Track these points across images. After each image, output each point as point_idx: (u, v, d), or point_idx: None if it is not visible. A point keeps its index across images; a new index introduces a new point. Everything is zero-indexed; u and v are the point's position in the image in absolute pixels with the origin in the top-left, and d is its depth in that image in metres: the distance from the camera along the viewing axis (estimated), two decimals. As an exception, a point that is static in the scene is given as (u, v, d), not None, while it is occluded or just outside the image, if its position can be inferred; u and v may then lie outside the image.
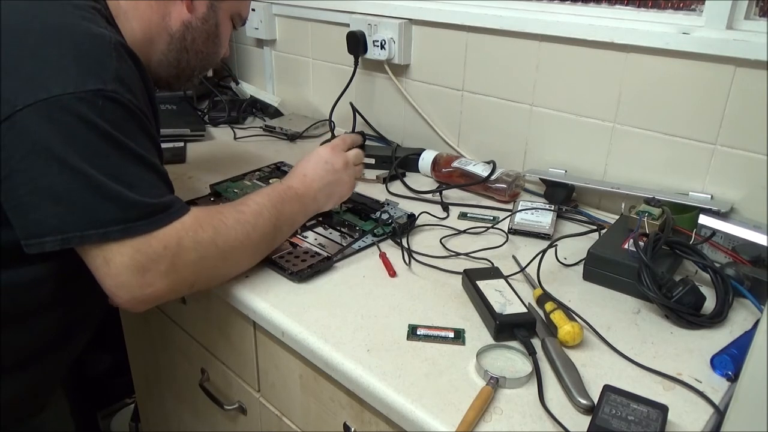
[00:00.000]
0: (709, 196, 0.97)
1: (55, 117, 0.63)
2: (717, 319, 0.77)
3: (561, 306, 0.76)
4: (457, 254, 0.92)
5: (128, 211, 0.65)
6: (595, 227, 1.01)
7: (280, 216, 0.82)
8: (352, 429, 0.76)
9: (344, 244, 0.92)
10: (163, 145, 1.11)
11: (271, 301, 0.80)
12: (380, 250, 0.92)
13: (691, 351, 0.72)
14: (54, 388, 0.93)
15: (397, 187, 1.17)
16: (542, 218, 1.01)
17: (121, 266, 0.66)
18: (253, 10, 1.55)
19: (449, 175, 1.18)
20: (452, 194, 1.15)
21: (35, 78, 0.63)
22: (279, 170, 1.19)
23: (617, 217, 0.99)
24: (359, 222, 0.99)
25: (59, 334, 0.80)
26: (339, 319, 0.76)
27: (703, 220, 0.92)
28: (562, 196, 1.09)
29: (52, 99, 0.62)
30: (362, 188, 1.13)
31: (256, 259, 0.82)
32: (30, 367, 0.80)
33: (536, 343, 0.72)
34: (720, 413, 0.63)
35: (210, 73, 1.74)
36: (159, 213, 0.68)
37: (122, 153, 0.66)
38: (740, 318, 0.78)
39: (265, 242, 0.81)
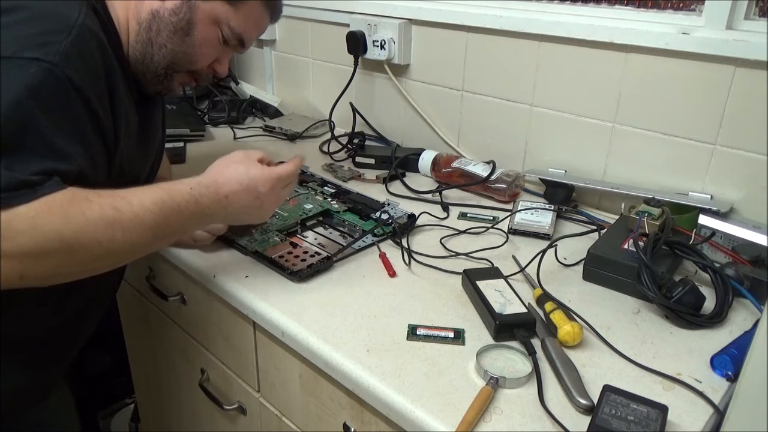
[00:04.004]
0: (709, 196, 0.97)
1: None
2: (717, 319, 0.77)
3: (561, 306, 0.76)
4: (457, 254, 0.92)
5: None
6: (595, 227, 1.01)
7: (166, 227, 0.71)
8: (352, 429, 0.76)
9: (344, 244, 0.92)
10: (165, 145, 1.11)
11: (271, 301, 0.80)
12: (380, 250, 0.92)
13: (691, 351, 0.72)
14: (56, 374, 0.92)
15: (397, 187, 1.17)
16: (542, 218, 1.01)
17: None
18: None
19: (449, 175, 1.18)
20: (452, 194, 1.15)
21: None
22: (279, 170, 1.19)
23: (617, 217, 0.99)
24: (359, 222, 0.99)
25: (55, 312, 0.80)
26: (339, 319, 0.76)
27: (703, 220, 0.92)
28: (562, 196, 1.09)
29: None
30: (362, 188, 1.13)
31: (116, 264, 0.71)
32: (28, 348, 0.80)
33: (536, 343, 0.72)
34: (720, 413, 0.63)
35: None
36: (20, 189, 0.61)
37: (24, 124, 0.63)
38: (740, 318, 0.79)
39: (134, 250, 0.70)
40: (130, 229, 0.67)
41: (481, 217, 1.06)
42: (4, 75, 0.63)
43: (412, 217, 0.99)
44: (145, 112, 0.87)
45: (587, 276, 0.86)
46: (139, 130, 0.85)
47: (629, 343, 0.73)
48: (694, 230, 0.89)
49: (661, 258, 0.83)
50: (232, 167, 0.78)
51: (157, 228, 0.69)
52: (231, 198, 0.76)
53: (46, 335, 0.83)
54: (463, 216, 1.06)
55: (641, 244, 0.81)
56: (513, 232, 0.99)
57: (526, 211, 1.03)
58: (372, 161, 1.26)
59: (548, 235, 0.98)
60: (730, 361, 0.68)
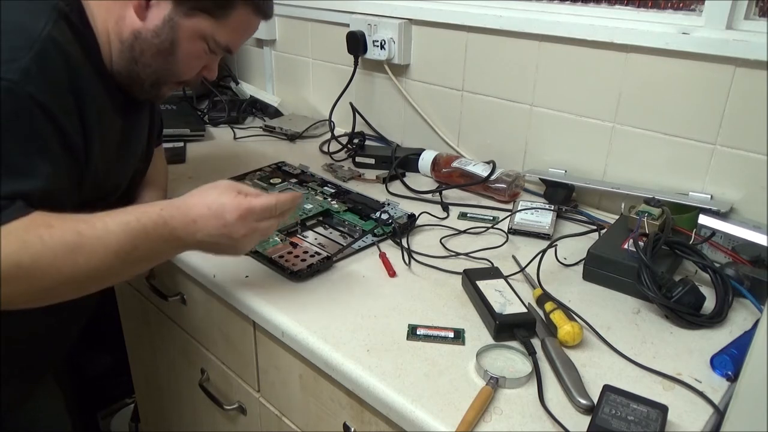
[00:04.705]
0: (709, 196, 0.97)
1: None
2: (717, 319, 0.77)
3: (561, 306, 0.76)
4: (457, 254, 0.92)
5: None
6: (595, 227, 1.01)
7: (133, 252, 0.67)
8: (352, 429, 0.76)
9: (344, 244, 0.92)
10: (164, 145, 1.11)
11: (271, 301, 0.80)
12: (380, 250, 0.92)
13: (691, 351, 0.72)
14: (41, 371, 0.92)
15: (397, 187, 1.17)
16: (542, 218, 1.01)
17: None
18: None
19: (449, 175, 1.18)
20: (452, 194, 1.15)
21: None
22: (280, 170, 1.19)
23: (617, 217, 0.99)
24: (359, 222, 0.99)
25: (45, 313, 0.80)
26: (339, 319, 0.76)
27: (703, 220, 0.92)
28: (562, 196, 1.09)
29: None
30: (362, 188, 1.13)
31: (84, 290, 0.68)
32: (15, 349, 0.80)
33: (536, 343, 0.72)
34: (720, 413, 0.63)
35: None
36: None
37: None
38: (740, 318, 0.78)
39: (99, 276, 0.67)
40: (92, 254, 0.64)
41: (481, 217, 1.06)
42: None
43: (412, 217, 0.99)
44: (132, 115, 0.86)
45: (587, 276, 0.86)
46: (122, 135, 0.84)
47: (629, 343, 0.73)
48: (694, 230, 0.89)
49: (661, 258, 0.83)
50: (207, 192, 0.74)
51: (122, 252, 0.66)
52: (199, 223, 0.71)
53: (33, 336, 0.83)
54: (463, 216, 1.06)
55: (641, 244, 0.81)
56: (513, 232, 0.99)
57: (526, 211, 1.03)
58: (372, 161, 1.26)
59: (548, 235, 0.98)
60: (730, 361, 0.68)
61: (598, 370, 0.69)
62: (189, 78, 0.84)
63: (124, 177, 0.89)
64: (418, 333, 0.74)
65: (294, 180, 1.14)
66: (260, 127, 1.50)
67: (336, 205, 1.04)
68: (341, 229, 0.99)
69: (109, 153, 0.80)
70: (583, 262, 0.87)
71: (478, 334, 0.74)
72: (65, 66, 0.70)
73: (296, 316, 0.77)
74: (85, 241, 0.64)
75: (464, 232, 1.00)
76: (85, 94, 0.73)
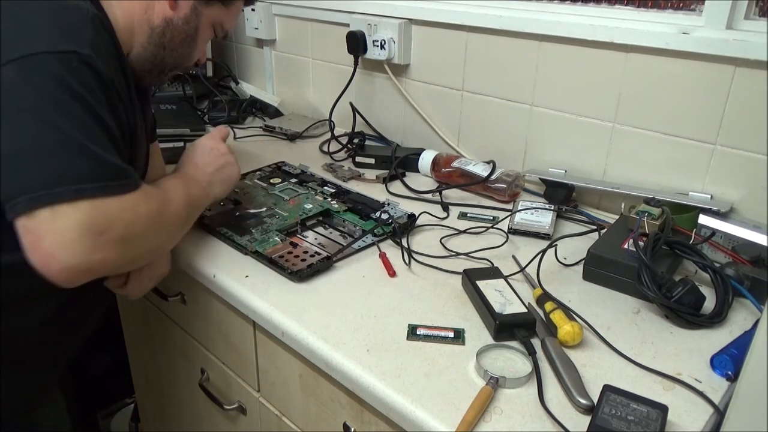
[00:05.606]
0: (709, 196, 0.97)
1: (29, 73, 0.63)
2: (717, 319, 0.77)
3: (561, 306, 0.76)
4: (457, 254, 0.93)
5: (102, 169, 0.64)
6: (595, 227, 1.01)
7: (190, 199, 0.82)
8: (352, 429, 0.76)
9: (344, 244, 0.92)
10: (163, 145, 1.12)
11: (271, 301, 0.80)
12: (380, 250, 0.92)
13: (691, 351, 0.72)
14: (53, 383, 0.93)
15: (397, 187, 1.17)
16: (542, 218, 1.01)
17: (72, 222, 0.60)
18: (253, 9, 1.55)
19: (449, 175, 1.18)
20: (452, 194, 1.15)
21: (13, 40, 0.65)
22: (280, 170, 1.19)
23: (617, 217, 0.99)
24: (359, 222, 0.99)
25: (58, 324, 0.80)
26: (339, 319, 0.76)
27: (703, 220, 0.92)
28: (562, 196, 1.09)
29: (27, 57, 0.63)
30: (362, 188, 1.13)
31: (176, 240, 0.82)
32: (29, 358, 0.80)
33: (536, 343, 0.72)
34: (720, 413, 0.63)
35: (210, 73, 1.74)
36: (129, 177, 0.67)
37: (92, 116, 0.66)
38: (740, 318, 0.79)
39: (187, 224, 0.83)
40: (178, 205, 0.78)
41: (481, 217, 1.06)
42: (52, 70, 0.64)
43: (412, 217, 0.99)
44: (140, 101, 0.89)
45: (587, 276, 0.86)
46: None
47: (629, 343, 0.73)
48: (694, 230, 0.89)
49: (661, 258, 0.83)
50: (191, 146, 0.94)
51: (187, 199, 0.81)
52: (199, 162, 0.90)
53: (44, 340, 0.83)
54: (463, 216, 1.06)
55: (641, 243, 0.81)
56: (513, 232, 0.99)
57: (526, 211, 1.03)
58: (372, 161, 1.26)
59: (548, 235, 0.98)
60: (730, 361, 0.68)
61: (598, 370, 0.69)
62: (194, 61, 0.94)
63: (143, 160, 0.93)
64: (418, 333, 0.74)
65: (294, 180, 1.14)
66: (260, 127, 1.50)
67: (336, 205, 1.04)
68: (341, 229, 0.99)
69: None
70: (583, 262, 0.87)
71: (478, 334, 0.74)
72: (113, 43, 0.74)
73: (296, 316, 0.77)
74: (171, 195, 0.78)
75: (464, 232, 1.00)
76: (127, 73, 0.78)
